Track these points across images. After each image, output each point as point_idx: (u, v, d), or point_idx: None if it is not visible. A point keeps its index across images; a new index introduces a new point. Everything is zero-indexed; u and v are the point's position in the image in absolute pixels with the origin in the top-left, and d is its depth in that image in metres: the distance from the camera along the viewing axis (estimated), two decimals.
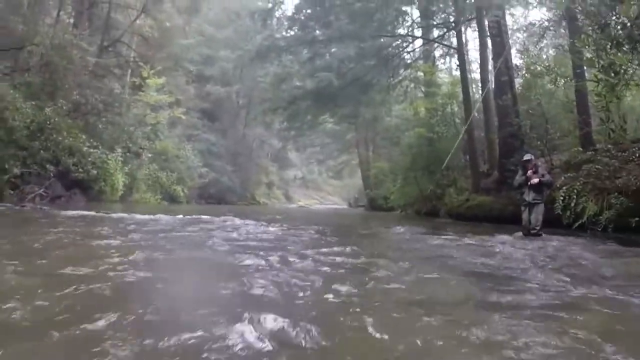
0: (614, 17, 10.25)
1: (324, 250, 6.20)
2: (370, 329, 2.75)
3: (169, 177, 33.26)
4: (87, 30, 25.87)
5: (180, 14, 36.99)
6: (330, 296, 3.61)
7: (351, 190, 62.58)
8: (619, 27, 9.88)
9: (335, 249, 6.46)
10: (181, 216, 12.75)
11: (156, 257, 5.25)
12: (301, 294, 3.65)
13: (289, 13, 26.63)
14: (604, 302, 3.65)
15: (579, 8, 11.22)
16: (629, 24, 9.23)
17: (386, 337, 2.65)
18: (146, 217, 11.87)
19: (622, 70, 9.13)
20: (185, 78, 42.03)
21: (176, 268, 4.97)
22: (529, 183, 10.14)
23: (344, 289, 3.86)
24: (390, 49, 23.89)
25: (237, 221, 11.73)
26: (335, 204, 69.56)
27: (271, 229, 10.01)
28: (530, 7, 23.35)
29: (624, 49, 9.76)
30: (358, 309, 3.24)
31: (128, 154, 26.52)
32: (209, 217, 13.06)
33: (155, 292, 3.63)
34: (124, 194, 25.17)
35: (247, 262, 5.13)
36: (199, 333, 2.50)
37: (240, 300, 3.41)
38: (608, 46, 9.89)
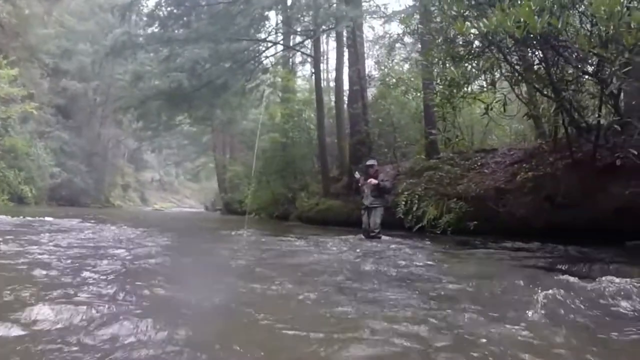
0: (457, 35, 10.84)
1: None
2: None
3: (17, 176, 30.75)
4: None
5: (40, 2, 34.33)
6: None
7: (208, 194, 61.25)
8: (460, 43, 10.46)
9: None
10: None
11: None
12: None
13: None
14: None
15: (428, 24, 11.80)
16: (474, 40, 9.79)
17: None
18: None
19: (457, 84, 9.70)
20: (41, 71, 38.88)
21: None
22: (362, 185, 10.55)
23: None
24: (246, 53, 23.64)
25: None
26: (192, 207, 67.88)
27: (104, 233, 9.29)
28: (383, 21, 24.35)
29: (465, 64, 10.34)
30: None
31: None
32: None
33: None
34: None
35: None
36: None
37: None
38: (447, 61, 10.44)
